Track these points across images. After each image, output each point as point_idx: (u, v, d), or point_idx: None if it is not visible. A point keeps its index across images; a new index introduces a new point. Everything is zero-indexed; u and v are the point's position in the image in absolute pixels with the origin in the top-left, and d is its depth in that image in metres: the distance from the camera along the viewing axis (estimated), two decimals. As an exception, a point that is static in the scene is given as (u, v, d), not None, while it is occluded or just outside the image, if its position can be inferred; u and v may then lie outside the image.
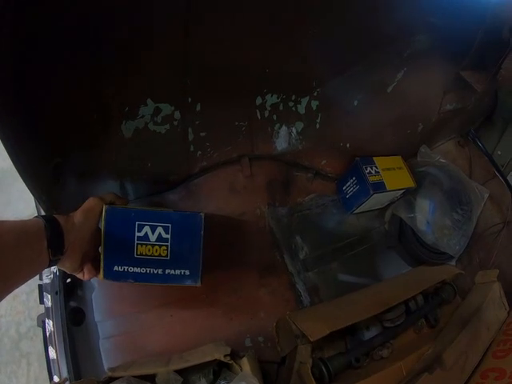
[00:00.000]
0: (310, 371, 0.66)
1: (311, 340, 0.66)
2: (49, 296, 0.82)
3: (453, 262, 0.99)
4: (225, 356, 0.62)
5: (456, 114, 1.01)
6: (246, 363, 0.62)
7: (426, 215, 0.94)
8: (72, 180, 0.76)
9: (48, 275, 0.82)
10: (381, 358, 0.77)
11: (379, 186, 0.89)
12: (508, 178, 1.16)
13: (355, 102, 0.90)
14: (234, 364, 0.62)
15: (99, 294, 0.81)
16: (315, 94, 0.87)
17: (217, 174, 0.90)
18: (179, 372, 0.64)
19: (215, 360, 0.63)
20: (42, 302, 0.85)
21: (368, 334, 0.77)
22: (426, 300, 0.86)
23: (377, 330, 0.78)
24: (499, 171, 1.17)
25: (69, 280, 0.82)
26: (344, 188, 0.96)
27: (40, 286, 0.84)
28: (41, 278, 0.84)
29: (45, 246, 0.56)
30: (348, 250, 0.95)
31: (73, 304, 0.83)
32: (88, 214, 0.65)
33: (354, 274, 0.92)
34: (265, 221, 0.90)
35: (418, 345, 0.81)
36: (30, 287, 1.57)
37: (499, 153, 1.22)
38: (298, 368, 0.70)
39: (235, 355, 0.65)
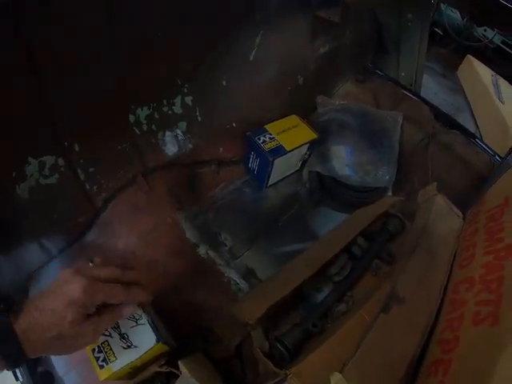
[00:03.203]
0: (261, 354, 0.62)
1: (250, 322, 0.63)
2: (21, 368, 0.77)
3: (390, 193, 0.94)
4: (160, 366, 0.59)
5: (337, 54, 0.99)
6: (182, 366, 0.58)
7: (344, 160, 0.92)
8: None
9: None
10: (341, 314, 0.71)
11: (277, 151, 0.87)
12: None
13: (224, 83, 0.90)
14: (175, 371, 0.59)
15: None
16: (185, 90, 0.88)
17: (119, 200, 0.88)
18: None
19: (158, 374, 0.61)
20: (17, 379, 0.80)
21: (321, 296, 0.73)
22: (372, 240, 0.81)
23: (329, 289, 0.73)
24: (409, 90, 1.14)
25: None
26: (249, 166, 0.94)
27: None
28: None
29: None
30: (274, 222, 0.92)
31: (40, 369, 0.79)
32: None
33: (288, 243, 0.89)
34: (179, 226, 0.88)
35: (377, 286, 0.75)
36: None
37: (403, 74, 1.22)
38: (256, 356, 0.65)
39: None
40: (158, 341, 0.56)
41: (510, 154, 0.96)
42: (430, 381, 0.57)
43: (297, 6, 0.92)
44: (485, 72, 2.05)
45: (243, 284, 0.82)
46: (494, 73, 2.07)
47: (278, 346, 0.64)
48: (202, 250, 0.86)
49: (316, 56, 0.97)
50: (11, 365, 0.46)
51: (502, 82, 2.03)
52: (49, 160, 0.75)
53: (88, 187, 0.84)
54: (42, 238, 0.82)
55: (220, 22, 0.83)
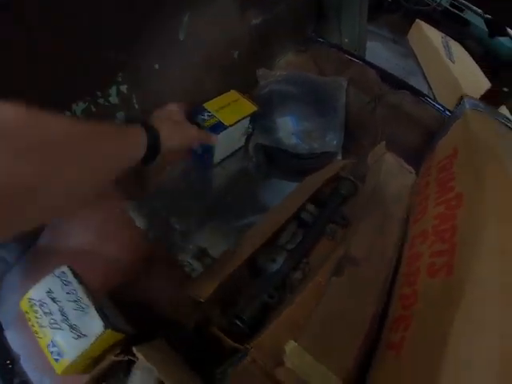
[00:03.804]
0: (218, 331, 0.63)
1: (202, 300, 0.62)
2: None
3: (339, 157, 0.93)
4: (116, 355, 0.58)
5: (273, 25, 0.97)
6: (137, 352, 0.56)
7: (289, 130, 0.90)
8: None
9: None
10: (299, 282, 0.70)
11: (217, 127, 0.85)
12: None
13: (156, 66, 0.88)
14: (134, 358, 0.58)
15: (29, 362, 0.76)
16: (120, 79, 0.85)
17: None
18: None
19: (121, 364, 0.59)
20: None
21: (276, 266, 0.72)
22: (325, 205, 0.80)
23: (283, 258, 0.72)
24: (354, 55, 1.13)
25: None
26: (193, 148, 0.90)
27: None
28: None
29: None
30: (224, 199, 0.91)
31: (16, 381, 0.76)
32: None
33: (240, 218, 0.88)
34: (127, 216, 0.86)
35: (334, 250, 0.74)
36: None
37: (346, 40, 1.20)
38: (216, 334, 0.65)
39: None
40: (105, 327, 0.56)
41: (457, 105, 0.96)
42: (391, 336, 0.57)
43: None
44: (434, 35, 2.06)
45: (196, 265, 0.81)
46: (443, 34, 2.09)
47: (236, 321, 0.64)
48: (153, 237, 0.85)
49: (249, 29, 0.94)
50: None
51: (453, 44, 2.05)
52: None
53: None
54: None
55: (142, 4, 0.81)
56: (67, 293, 0.59)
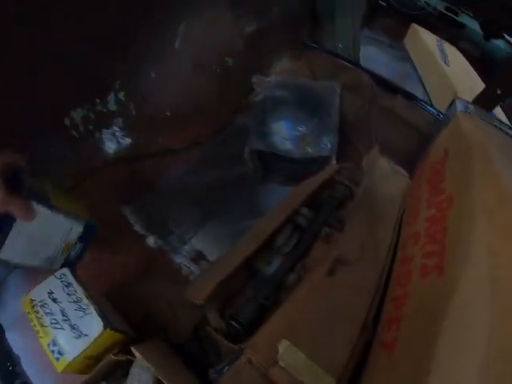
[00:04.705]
0: (214, 332, 0.63)
1: (200, 303, 0.63)
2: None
3: (334, 162, 0.95)
4: (115, 354, 0.60)
5: (266, 32, 0.99)
6: (135, 351, 0.59)
7: (284, 135, 0.92)
8: None
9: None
10: (294, 284, 0.71)
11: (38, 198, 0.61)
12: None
13: (153, 74, 0.91)
14: (132, 358, 0.61)
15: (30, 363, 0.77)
16: (117, 86, 0.88)
17: None
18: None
19: (119, 364, 0.62)
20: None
21: (271, 269, 0.73)
22: (320, 209, 0.81)
23: (279, 261, 0.73)
24: (348, 60, 1.16)
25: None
26: None
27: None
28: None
29: None
30: (220, 204, 0.93)
31: (17, 382, 0.78)
32: None
33: (236, 222, 0.90)
34: (126, 221, 0.89)
35: (329, 253, 0.76)
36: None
37: (340, 46, 1.22)
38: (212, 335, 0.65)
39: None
40: (105, 327, 0.59)
41: (449, 108, 0.98)
42: (384, 337, 0.59)
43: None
44: (430, 38, 2.08)
45: (194, 267, 0.83)
46: (439, 38, 2.11)
47: (233, 322, 0.65)
48: (151, 241, 0.87)
49: (242, 36, 0.97)
50: None
51: (448, 46, 2.07)
52: None
53: None
54: None
55: (139, 14, 0.84)
56: (68, 294, 0.62)
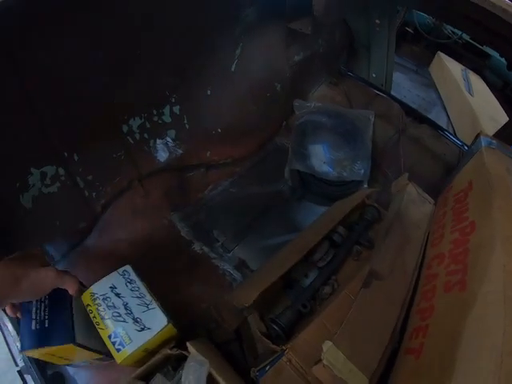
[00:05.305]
0: (260, 334, 0.70)
1: (247, 305, 0.70)
2: (29, 376, 0.82)
3: (365, 186, 1.04)
4: (171, 349, 0.65)
5: (310, 61, 1.09)
6: (190, 347, 0.65)
7: (321, 158, 1.01)
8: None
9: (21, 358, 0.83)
10: (328, 295, 0.80)
11: None
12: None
13: (208, 92, 1.00)
14: (185, 352, 0.65)
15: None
16: (173, 100, 0.97)
17: (117, 205, 0.96)
18: (141, 378, 0.67)
19: (169, 358, 0.67)
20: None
21: (308, 280, 0.82)
22: (352, 229, 0.90)
23: (315, 274, 0.82)
24: (380, 90, 1.24)
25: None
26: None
27: (20, 372, 0.83)
28: (16, 364, 0.83)
29: None
30: (261, 218, 1.01)
31: (50, 371, 0.84)
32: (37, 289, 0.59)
33: (275, 235, 0.99)
34: (174, 227, 0.97)
35: (359, 269, 0.84)
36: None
37: (374, 75, 1.31)
38: (254, 336, 0.73)
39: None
40: (168, 321, 0.64)
41: (474, 142, 1.06)
42: (412, 342, 0.67)
43: (271, 20, 1.02)
44: (455, 67, 2.15)
45: (236, 274, 0.91)
46: (463, 67, 2.18)
47: (274, 326, 0.73)
48: (197, 247, 0.95)
49: (291, 64, 1.06)
50: None
51: (472, 76, 2.14)
52: (50, 170, 0.83)
53: (87, 194, 0.91)
54: (45, 245, 0.88)
55: (202, 36, 0.92)
56: (131, 290, 0.67)
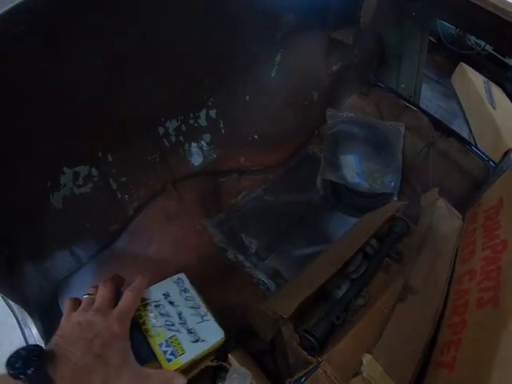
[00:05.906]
0: (296, 345, 0.71)
1: (285, 317, 0.70)
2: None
3: (395, 198, 1.06)
4: (211, 360, 0.65)
5: (346, 70, 1.11)
6: (232, 359, 0.66)
7: (353, 168, 1.03)
8: (25, 265, 0.80)
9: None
10: (360, 307, 0.82)
11: None
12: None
13: (247, 98, 1.01)
14: (224, 364, 0.66)
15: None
16: (210, 104, 0.97)
17: (150, 209, 0.96)
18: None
19: (207, 368, 0.67)
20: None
21: (341, 292, 0.83)
22: (382, 241, 0.92)
23: (347, 286, 0.84)
24: (409, 101, 1.26)
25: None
26: None
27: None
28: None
29: None
30: (293, 227, 1.03)
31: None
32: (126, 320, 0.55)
33: (307, 245, 1.00)
34: (208, 233, 0.98)
35: (390, 282, 0.86)
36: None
37: (403, 86, 1.32)
38: (289, 347, 0.74)
39: (224, 357, 0.68)
40: (224, 335, 0.63)
41: (503, 160, 1.08)
42: (443, 357, 0.69)
43: (314, 28, 1.04)
44: (477, 78, 2.15)
45: (270, 284, 0.92)
46: (486, 79, 2.18)
47: (309, 337, 0.73)
48: (231, 254, 0.96)
49: (329, 73, 1.08)
50: None
51: (494, 88, 2.14)
52: (83, 170, 0.83)
53: (120, 196, 0.92)
54: (74, 246, 0.88)
55: (243, 41, 0.93)
56: (186, 299, 0.66)
